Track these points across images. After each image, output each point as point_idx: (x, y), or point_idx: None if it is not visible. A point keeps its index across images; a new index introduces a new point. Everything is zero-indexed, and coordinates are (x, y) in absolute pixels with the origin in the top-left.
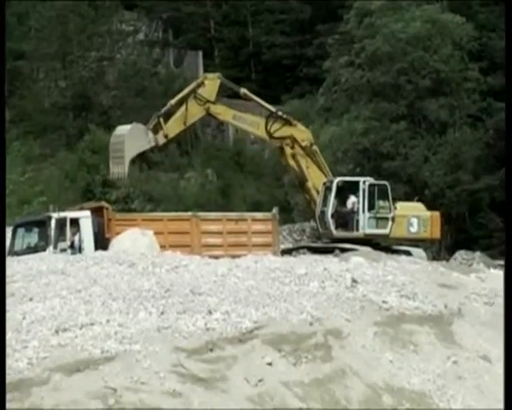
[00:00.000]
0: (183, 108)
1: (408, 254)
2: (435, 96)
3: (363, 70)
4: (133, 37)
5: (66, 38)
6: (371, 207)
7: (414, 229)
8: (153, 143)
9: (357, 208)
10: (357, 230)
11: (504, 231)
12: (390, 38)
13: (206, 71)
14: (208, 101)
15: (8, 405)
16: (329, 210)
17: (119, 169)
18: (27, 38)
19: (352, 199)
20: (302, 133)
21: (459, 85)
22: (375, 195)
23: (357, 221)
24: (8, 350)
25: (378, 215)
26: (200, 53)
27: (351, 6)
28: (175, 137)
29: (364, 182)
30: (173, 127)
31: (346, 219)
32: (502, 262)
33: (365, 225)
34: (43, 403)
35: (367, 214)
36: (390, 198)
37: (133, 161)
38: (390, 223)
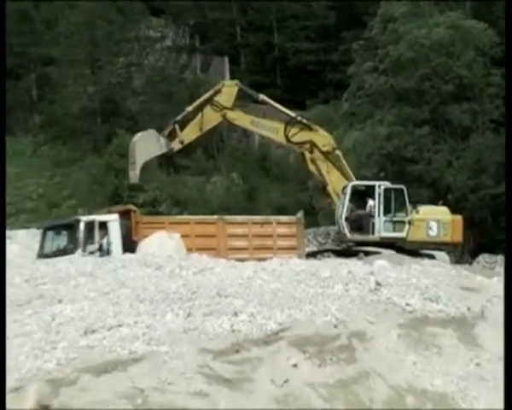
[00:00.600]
0: (199, 115)
1: (431, 257)
2: (458, 101)
3: (386, 76)
4: (160, 43)
5: (95, 43)
6: (387, 210)
7: (433, 232)
8: (165, 149)
9: (374, 212)
10: (373, 233)
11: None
12: (413, 43)
13: (232, 76)
14: (225, 107)
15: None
16: (343, 213)
17: (133, 174)
18: (56, 44)
19: (370, 203)
20: (323, 138)
21: (482, 91)
22: (392, 199)
23: (373, 224)
24: (38, 351)
25: (394, 219)
26: (227, 59)
27: (375, 12)
28: (192, 142)
29: (380, 186)
30: (189, 134)
31: (361, 223)
32: None
33: (381, 228)
34: (72, 403)
35: (383, 218)
36: (407, 202)
37: (160, 166)
38: (407, 226)
